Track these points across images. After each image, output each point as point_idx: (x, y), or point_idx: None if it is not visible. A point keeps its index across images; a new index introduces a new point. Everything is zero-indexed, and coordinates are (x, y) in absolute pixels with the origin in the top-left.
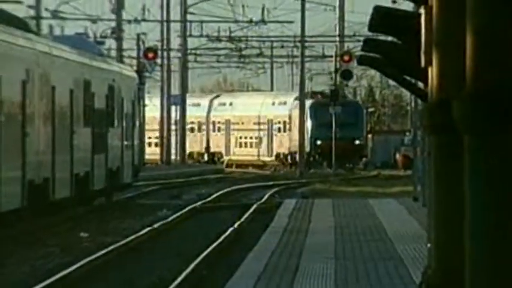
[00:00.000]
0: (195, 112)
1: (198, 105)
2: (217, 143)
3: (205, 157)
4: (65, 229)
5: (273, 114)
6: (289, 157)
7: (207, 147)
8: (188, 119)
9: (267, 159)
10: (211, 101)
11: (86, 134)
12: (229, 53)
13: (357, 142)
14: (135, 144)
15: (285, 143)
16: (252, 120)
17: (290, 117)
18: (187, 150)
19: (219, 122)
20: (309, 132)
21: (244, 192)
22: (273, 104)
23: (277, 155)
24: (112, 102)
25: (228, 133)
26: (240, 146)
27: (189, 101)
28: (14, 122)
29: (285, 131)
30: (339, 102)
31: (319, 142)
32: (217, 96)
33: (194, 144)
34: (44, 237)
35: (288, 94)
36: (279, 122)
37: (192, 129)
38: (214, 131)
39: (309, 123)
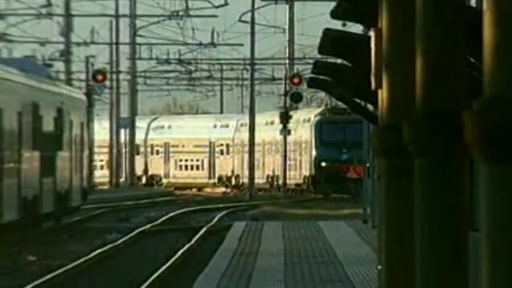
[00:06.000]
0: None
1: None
2: None
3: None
4: (12, 252)
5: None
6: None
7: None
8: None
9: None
10: None
11: (34, 157)
12: (178, 75)
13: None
14: (84, 167)
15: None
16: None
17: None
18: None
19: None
20: (313, 153)
21: (193, 215)
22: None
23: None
24: (61, 125)
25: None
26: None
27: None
28: None
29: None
30: (347, 119)
31: (323, 164)
32: None
33: None
34: None
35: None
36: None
37: None
38: None
39: (313, 143)
